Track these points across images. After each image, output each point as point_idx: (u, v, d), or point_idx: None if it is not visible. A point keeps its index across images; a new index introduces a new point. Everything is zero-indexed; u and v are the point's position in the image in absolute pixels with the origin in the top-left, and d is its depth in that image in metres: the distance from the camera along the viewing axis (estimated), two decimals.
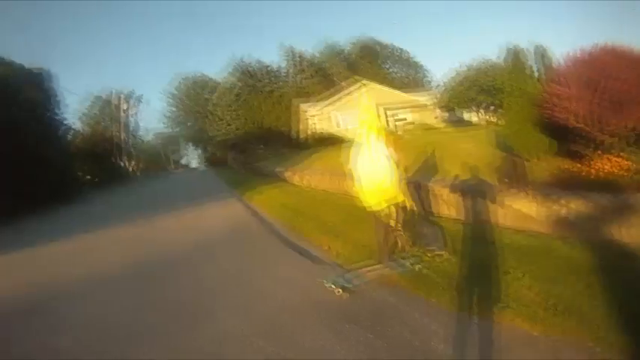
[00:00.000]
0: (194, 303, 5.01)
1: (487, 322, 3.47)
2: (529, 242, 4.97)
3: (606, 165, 5.48)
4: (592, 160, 5.86)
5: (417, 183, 7.79)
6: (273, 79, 61.50)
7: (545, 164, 6.80)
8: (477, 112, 27.48)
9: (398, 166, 4.97)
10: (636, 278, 3.67)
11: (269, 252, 6.79)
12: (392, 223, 5.08)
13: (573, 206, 4.87)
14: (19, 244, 10.79)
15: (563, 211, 4.98)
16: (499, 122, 22.69)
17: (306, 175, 14.85)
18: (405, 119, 34.86)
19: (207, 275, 6.04)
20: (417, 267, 4.78)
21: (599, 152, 5.88)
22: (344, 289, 4.51)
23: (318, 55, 65.32)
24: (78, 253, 8.90)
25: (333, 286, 4.56)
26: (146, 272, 6.66)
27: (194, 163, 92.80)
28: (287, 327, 3.93)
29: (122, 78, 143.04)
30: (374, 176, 4.87)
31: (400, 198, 4.97)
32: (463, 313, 3.68)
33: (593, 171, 5.51)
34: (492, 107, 26.69)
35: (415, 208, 5.37)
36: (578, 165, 5.93)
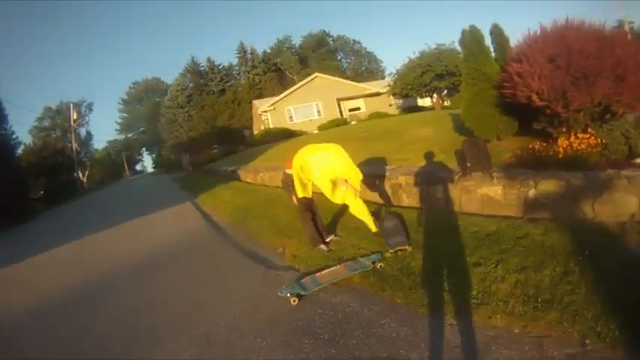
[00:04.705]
0: (133, 325, 4.41)
1: (462, 323, 3.08)
2: (498, 228, 4.59)
3: (573, 142, 5.26)
4: (558, 138, 5.64)
5: (374, 173, 7.41)
6: (224, 77, 60.73)
7: (507, 144, 6.58)
8: (431, 97, 27.65)
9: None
10: (615, 259, 3.36)
11: (219, 260, 6.24)
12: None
13: (543, 187, 4.57)
14: None
15: (532, 193, 4.67)
16: (453, 105, 22.99)
17: (260, 172, 14.36)
18: (359, 108, 35.10)
19: (150, 290, 5.47)
20: (378, 265, 4.34)
21: (564, 129, 5.66)
22: (300, 297, 4.06)
23: (269, 50, 64.97)
24: None
25: (288, 295, 4.08)
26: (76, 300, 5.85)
27: (149, 169, 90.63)
28: (238, 349, 3.43)
29: (76, 90, 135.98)
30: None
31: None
32: (434, 315, 3.27)
33: (560, 149, 5.27)
34: (446, 91, 27.05)
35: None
36: (543, 144, 5.69)
